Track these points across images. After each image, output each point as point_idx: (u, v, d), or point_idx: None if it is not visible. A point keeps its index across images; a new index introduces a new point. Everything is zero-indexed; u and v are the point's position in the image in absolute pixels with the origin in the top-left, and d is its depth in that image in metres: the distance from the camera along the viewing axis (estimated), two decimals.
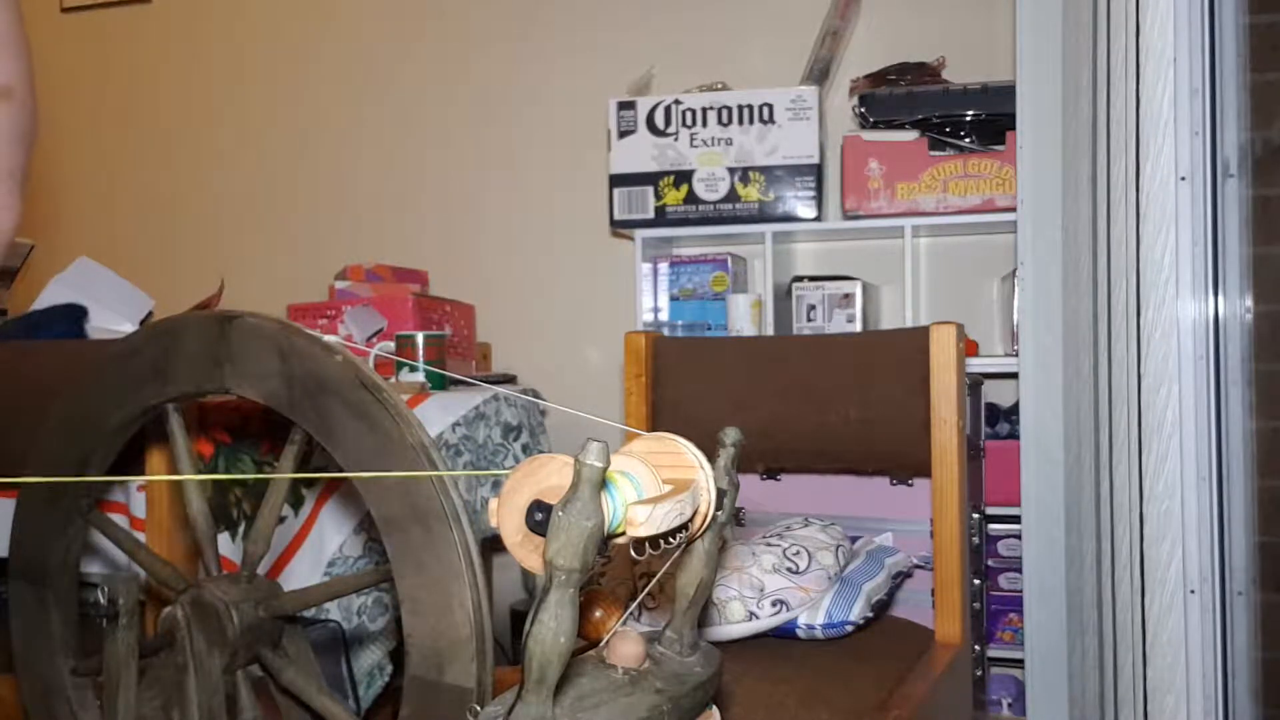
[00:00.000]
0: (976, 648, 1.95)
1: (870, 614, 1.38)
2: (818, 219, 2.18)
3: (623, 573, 1.38)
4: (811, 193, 2.17)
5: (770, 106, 2.18)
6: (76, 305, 1.90)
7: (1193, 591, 1.36)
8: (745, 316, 2.13)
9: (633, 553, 0.66)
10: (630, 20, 2.59)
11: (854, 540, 1.56)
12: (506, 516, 0.67)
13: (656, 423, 1.57)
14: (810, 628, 1.33)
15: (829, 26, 2.33)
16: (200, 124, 2.95)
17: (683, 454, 0.72)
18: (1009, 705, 2.10)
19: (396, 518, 0.93)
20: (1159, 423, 1.39)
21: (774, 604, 1.32)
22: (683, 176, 2.23)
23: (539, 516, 0.64)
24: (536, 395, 2.30)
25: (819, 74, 2.27)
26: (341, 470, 0.97)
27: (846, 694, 1.20)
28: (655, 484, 0.69)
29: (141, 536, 1.46)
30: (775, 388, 1.52)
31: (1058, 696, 1.85)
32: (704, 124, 2.21)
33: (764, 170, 2.18)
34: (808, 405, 1.50)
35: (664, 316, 2.32)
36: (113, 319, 1.93)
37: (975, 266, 2.36)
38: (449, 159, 2.74)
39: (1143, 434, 1.42)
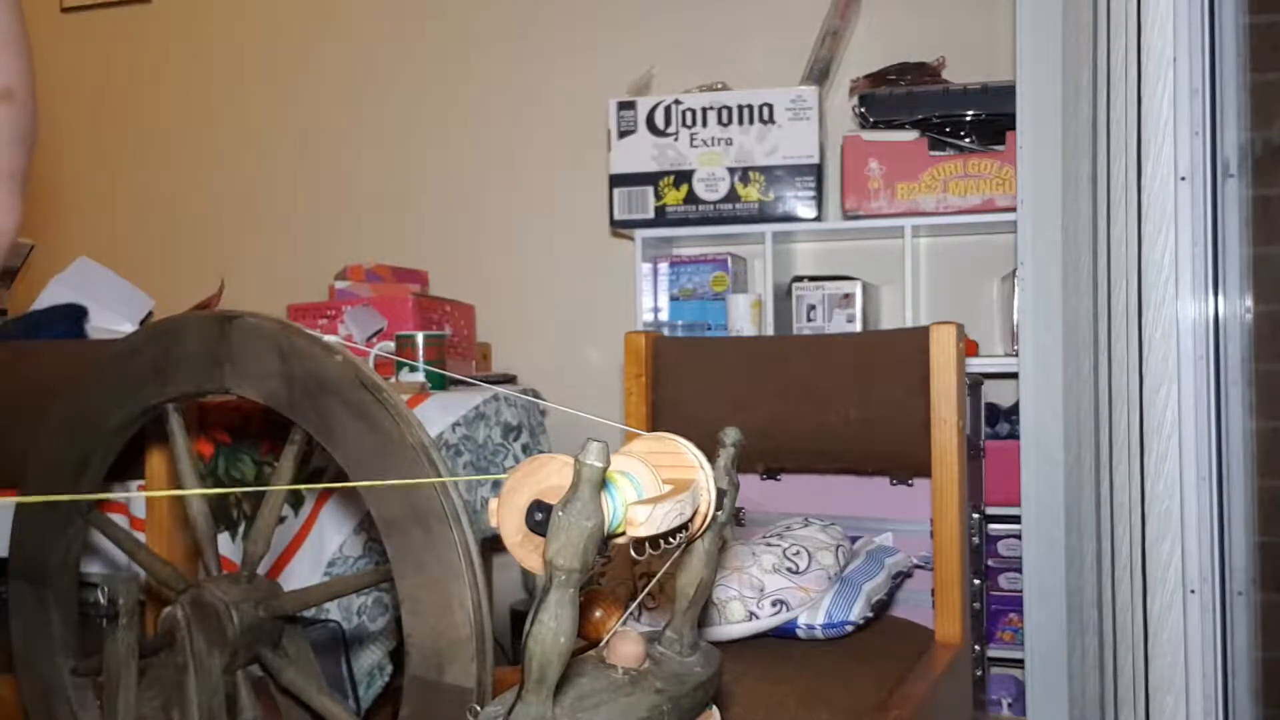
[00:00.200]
0: (976, 648, 1.95)
1: (870, 614, 1.37)
2: (818, 219, 2.18)
3: (623, 573, 1.38)
4: (811, 193, 2.17)
5: (770, 106, 2.18)
6: (76, 305, 1.90)
7: (1193, 591, 1.36)
8: (745, 316, 2.13)
9: (633, 553, 0.66)
10: (630, 20, 2.59)
11: (854, 540, 1.56)
12: (506, 516, 0.67)
13: (656, 423, 1.57)
14: (810, 628, 1.33)
15: (829, 26, 2.33)
16: (200, 124, 2.95)
17: (683, 454, 0.72)
18: (1009, 705, 2.10)
19: (396, 518, 0.93)
20: (1159, 423, 1.39)
21: (774, 604, 1.32)
22: (683, 176, 2.23)
23: (539, 516, 0.64)
24: (536, 395, 2.30)
25: (819, 74, 2.27)
26: (342, 469, 0.97)
27: (846, 694, 1.20)
28: (655, 484, 0.69)
29: (141, 536, 1.46)
30: (775, 388, 1.52)
31: (1058, 696, 1.85)
32: (704, 124, 2.21)
33: (764, 170, 2.18)
34: (808, 405, 1.50)
35: (664, 316, 2.32)
36: (113, 319, 1.93)
37: (975, 266, 2.36)
38: (449, 159, 2.74)
39: (1144, 434, 1.42)
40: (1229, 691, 1.39)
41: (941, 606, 1.40)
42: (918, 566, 1.76)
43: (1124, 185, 1.46)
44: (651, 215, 2.25)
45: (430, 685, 0.92)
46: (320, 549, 1.62)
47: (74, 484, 1.14)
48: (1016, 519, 1.91)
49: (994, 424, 2.15)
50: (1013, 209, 1.98)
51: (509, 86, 2.69)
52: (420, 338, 1.95)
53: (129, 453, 1.19)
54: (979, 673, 1.97)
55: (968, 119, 2.11)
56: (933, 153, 2.13)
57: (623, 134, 2.25)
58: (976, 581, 1.96)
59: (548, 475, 0.65)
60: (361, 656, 1.62)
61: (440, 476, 0.92)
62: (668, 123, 2.23)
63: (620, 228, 2.31)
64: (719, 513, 0.75)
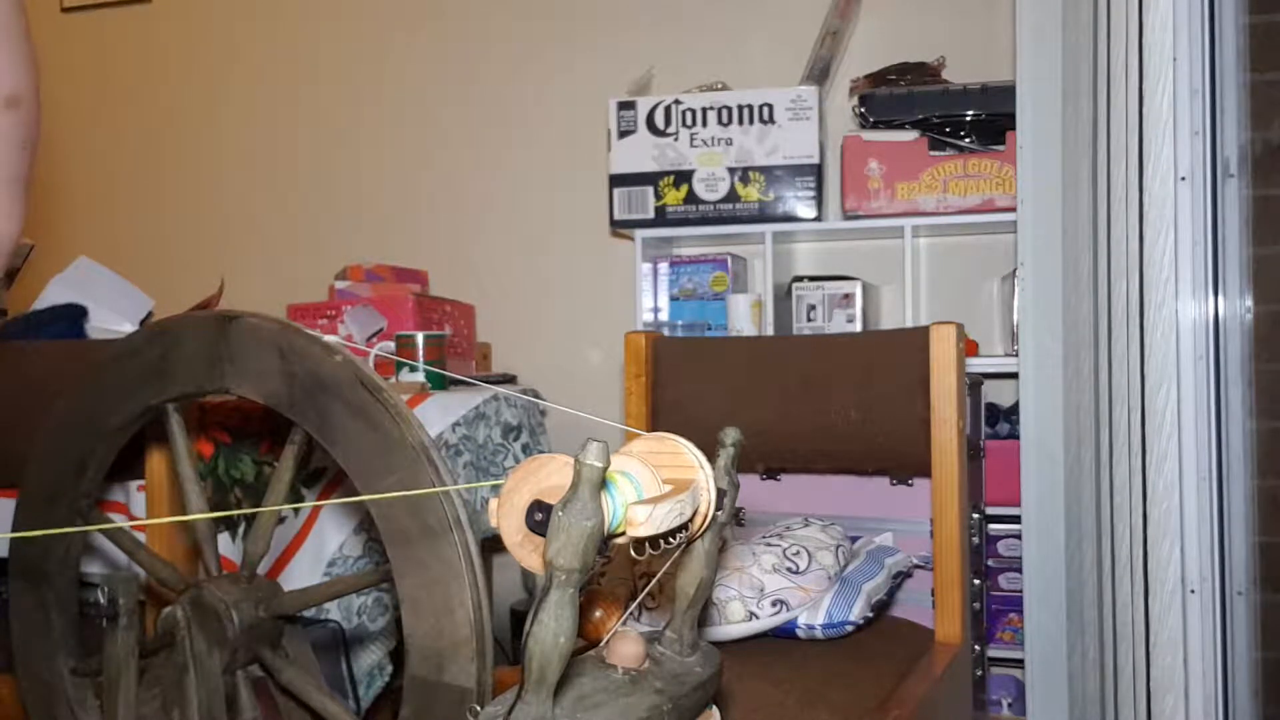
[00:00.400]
0: (976, 648, 1.95)
1: (870, 614, 1.37)
2: (818, 219, 2.18)
3: (623, 573, 1.38)
4: (811, 193, 2.17)
5: (770, 106, 2.18)
6: (76, 305, 1.90)
7: (1193, 591, 1.36)
8: (745, 316, 2.13)
9: (633, 553, 0.67)
10: (630, 20, 2.59)
11: (854, 540, 1.56)
12: (506, 516, 0.67)
13: (656, 423, 1.57)
14: (810, 628, 1.33)
15: (829, 26, 2.33)
16: (200, 124, 2.95)
17: (683, 454, 0.72)
18: (1009, 705, 2.10)
19: (396, 518, 0.93)
20: (1159, 423, 1.39)
21: (774, 604, 1.32)
22: (683, 176, 2.23)
23: (539, 516, 0.64)
24: (536, 395, 2.30)
25: (819, 74, 2.27)
26: (341, 469, 0.97)
27: (846, 694, 1.20)
28: (655, 484, 0.69)
29: (142, 537, 1.46)
30: (775, 388, 1.52)
31: (1058, 696, 1.85)
32: (704, 124, 2.21)
33: (764, 170, 2.18)
34: (808, 405, 1.50)
35: (664, 316, 2.32)
36: (113, 319, 1.93)
37: (975, 266, 2.36)
38: (449, 159, 2.74)
39: (1144, 434, 1.42)
40: (1229, 691, 1.39)
41: (941, 606, 1.40)
42: (918, 566, 1.76)
43: (1124, 185, 1.46)
44: (651, 215, 2.25)
45: (430, 685, 0.92)
46: (320, 549, 1.62)
47: (74, 484, 1.14)
48: (1016, 519, 1.91)
49: (994, 424, 2.15)
50: (1013, 209, 1.98)
51: (509, 86, 2.69)
52: (420, 338, 1.95)
53: (129, 453, 1.19)
54: (979, 673, 1.97)
55: (968, 119, 2.11)
56: (933, 153, 2.13)
57: (623, 134, 2.25)
58: (976, 581, 1.96)
59: (548, 475, 0.65)
60: (361, 656, 1.62)
61: (440, 476, 0.92)
62: (668, 123, 2.23)
63: (620, 228, 2.31)
64: (719, 513, 0.75)
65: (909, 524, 1.84)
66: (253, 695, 1.08)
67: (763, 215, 2.20)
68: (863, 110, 2.19)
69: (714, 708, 0.78)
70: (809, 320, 2.20)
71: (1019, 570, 1.95)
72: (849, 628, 1.34)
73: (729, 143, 2.20)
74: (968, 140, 2.12)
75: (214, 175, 2.94)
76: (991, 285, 2.36)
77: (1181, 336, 1.37)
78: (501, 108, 2.70)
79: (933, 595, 1.40)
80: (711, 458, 0.75)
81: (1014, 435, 2.06)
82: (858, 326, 2.17)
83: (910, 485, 1.86)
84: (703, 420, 1.54)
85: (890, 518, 1.86)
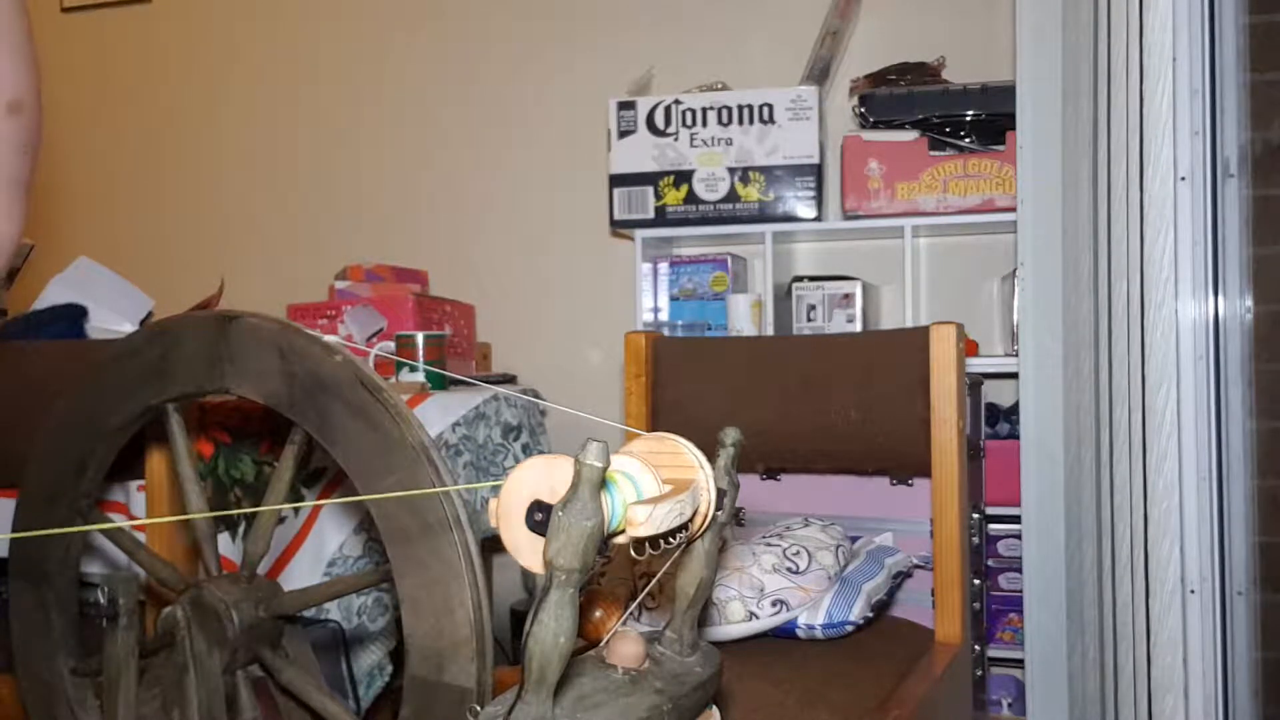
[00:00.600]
0: (976, 648, 1.95)
1: (870, 614, 1.37)
2: (818, 219, 2.18)
3: (623, 573, 1.38)
4: (811, 193, 2.17)
5: (770, 106, 2.18)
6: (76, 305, 1.90)
7: (1193, 591, 1.36)
8: (745, 316, 2.13)
9: (633, 553, 0.67)
10: (630, 20, 2.59)
11: (854, 540, 1.56)
12: (506, 516, 0.66)
13: (656, 423, 1.57)
14: (810, 628, 1.33)
15: (829, 26, 2.33)
16: (200, 124, 2.95)
17: (683, 454, 0.72)
18: (1009, 705, 2.10)
19: (396, 518, 0.93)
20: (1159, 423, 1.39)
21: (774, 604, 1.32)
22: (683, 176, 2.23)
23: (539, 516, 0.64)
24: (536, 395, 2.30)
25: (819, 74, 2.27)
26: (341, 469, 0.97)
27: (846, 694, 1.20)
28: (655, 484, 0.69)
29: (142, 537, 1.46)
30: (775, 388, 1.52)
31: (1058, 696, 1.85)
32: (704, 124, 2.21)
33: (764, 170, 2.18)
34: (808, 405, 1.50)
35: (664, 316, 2.32)
36: (113, 319, 1.93)
37: (975, 266, 2.36)
38: (449, 159, 2.74)
39: (1145, 434, 1.42)
40: (1229, 691, 1.39)
41: (941, 606, 1.40)
42: (918, 566, 1.76)
43: (1124, 185, 1.46)
44: (651, 215, 2.25)
45: (430, 685, 0.92)
46: (320, 549, 1.62)
47: (74, 484, 1.14)
48: (1016, 519, 1.91)
49: (994, 424, 2.15)
50: (1013, 209, 1.98)
51: (509, 86, 2.69)
52: (420, 338, 1.95)
53: (129, 453, 1.19)
54: (979, 673, 1.97)
55: (968, 119, 2.11)
56: (933, 153, 2.13)
57: (623, 134, 2.25)
58: (976, 581, 1.96)
59: (548, 475, 0.65)
60: (361, 656, 1.62)
61: (440, 476, 0.92)
62: (668, 123, 2.23)
63: (620, 228, 2.31)
64: (719, 513, 0.75)
65: (909, 524, 1.84)
66: (253, 695, 1.08)
67: (763, 215, 2.20)
68: (863, 110, 2.19)
69: (714, 708, 0.78)
70: (809, 320, 2.20)
71: (1019, 570, 1.95)
72: (849, 628, 1.34)
73: (729, 143, 2.20)
74: (968, 140, 2.12)
75: (214, 175, 2.94)
76: (991, 285, 2.36)
77: (1181, 336, 1.37)
78: (501, 108, 2.70)
79: (933, 595, 1.40)
80: (711, 458, 0.75)
81: (1014, 435, 2.06)
82: (858, 326, 2.17)
83: (910, 485, 1.86)
84: (703, 420, 1.54)
85: (890, 518, 1.86)
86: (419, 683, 0.92)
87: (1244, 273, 1.46)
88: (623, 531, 0.65)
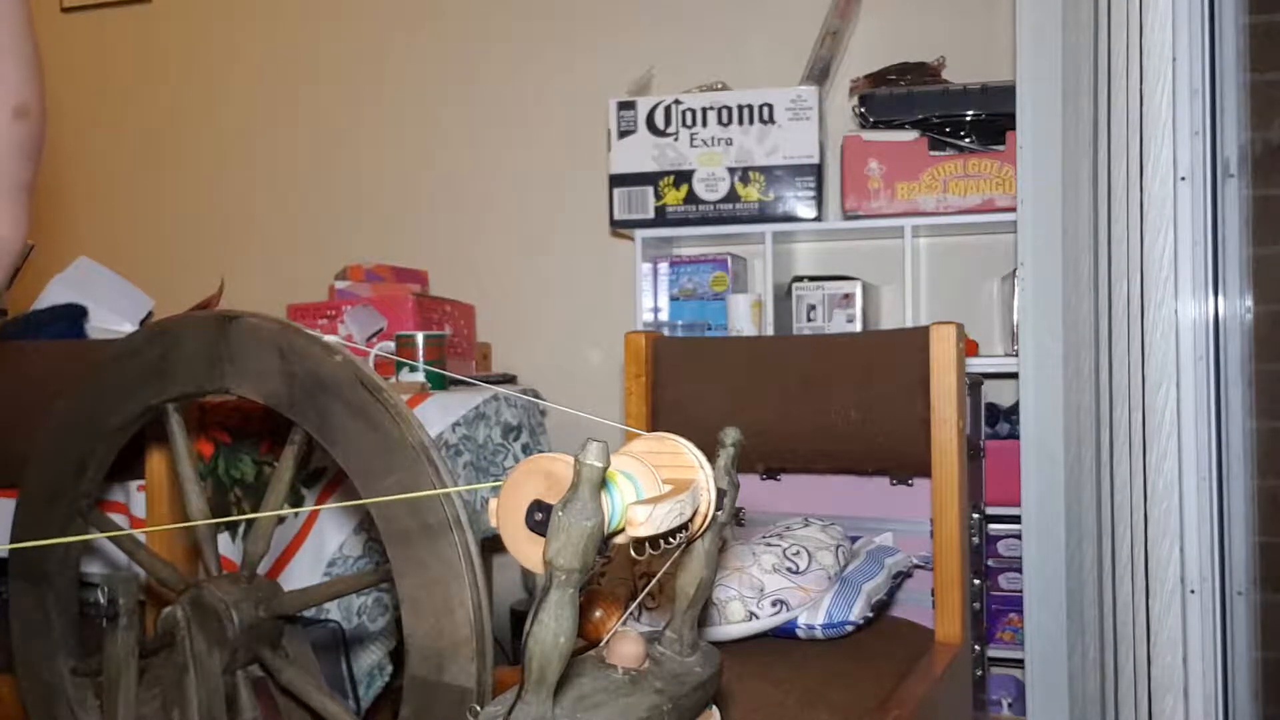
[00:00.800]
0: (976, 648, 1.95)
1: (870, 614, 1.37)
2: (818, 219, 2.18)
3: (623, 573, 1.38)
4: (811, 193, 2.17)
5: (770, 106, 2.18)
6: (76, 305, 1.90)
7: (1193, 591, 1.36)
8: (745, 316, 2.13)
9: (633, 553, 0.67)
10: (630, 20, 2.59)
11: (854, 540, 1.56)
12: (506, 516, 0.66)
13: (656, 423, 1.57)
14: (810, 628, 1.33)
15: (829, 26, 2.33)
16: (200, 124, 2.95)
17: (683, 454, 0.72)
18: (1009, 705, 2.10)
19: (397, 518, 0.93)
20: (1159, 423, 1.39)
21: (774, 604, 1.32)
22: (683, 176, 2.23)
23: (539, 516, 0.64)
24: (536, 395, 2.30)
25: (819, 74, 2.27)
26: (342, 468, 0.97)
27: (846, 694, 1.20)
28: (655, 484, 0.69)
29: (141, 537, 1.46)
30: (775, 388, 1.52)
31: (1058, 696, 1.85)
32: (704, 124, 2.21)
33: (764, 170, 2.18)
34: (808, 405, 1.50)
35: (664, 316, 2.32)
36: (113, 319, 1.93)
37: (975, 266, 2.36)
38: (449, 159, 2.74)
39: (1145, 434, 1.42)
40: (1229, 691, 1.39)
41: (941, 606, 1.40)
42: (918, 566, 1.76)
43: (1124, 185, 1.46)
44: (651, 215, 2.25)
45: (430, 685, 0.92)
46: (320, 549, 1.62)
47: (74, 484, 1.14)
48: (1016, 519, 1.91)
49: (994, 424, 2.15)
50: (1013, 209, 1.98)
51: (509, 86, 2.69)
52: (420, 338, 1.95)
53: (129, 453, 1.19)
54: (979, 673, 1.97)
55: (968, 119, 2.11)
56: (933, 153, 2.13)
57: (623, 134, 2.25)
58: (976, 581, 1.96)
59: (548, 475, 0.65)
60: (361, 656, 1.62)
61: (440, 476, 0.92)
62: (668, 123, 2.23)
63: (620, 228, 2.31)
64: (719, 513, 0.75)
65: (909, 524, 1.84)
66: (253, 695, 1.08)
67: (763, 215, 2.20)
68: (863, 110, 2.19)
69: (714, 708, 0.78)
70: (809, 320, 2.20)
71: (1019, 570, 1.95)
72: (849, 628, 1.34)
73: (729, 143, 2.20)
74: (968, 140, 2.12)
75: (214, 175, 2.94)
76: (991, 285, 2.36)
77: (1181, 336, 1.37)
78: (501, 108, 2.70)
79: (933, 595, 1.40)
80: (711, 458, 0.75)
81: (1014, 435, 2.06)
82: (858, 326, 2.17)
83: (910, 485, 1.86)
84: (703, 420, 1.54)
85: (890, 518, 1.86)
86: (419, 683, 0.92)
87: (1244, 273, 1.46)
88: (623, 531, 0.65)
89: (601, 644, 0.74)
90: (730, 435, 0.79)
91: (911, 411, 1.41)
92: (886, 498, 1.87)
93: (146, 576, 1.33)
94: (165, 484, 1.41)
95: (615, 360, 2.59)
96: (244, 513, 1.66)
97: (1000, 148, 2.10)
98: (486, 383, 2.10)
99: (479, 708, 0.89)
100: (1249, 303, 1.48)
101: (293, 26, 2.87)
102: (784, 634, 1.35)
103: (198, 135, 2.95)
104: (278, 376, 1.00)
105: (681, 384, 1.58)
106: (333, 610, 1.57)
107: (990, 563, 2.07)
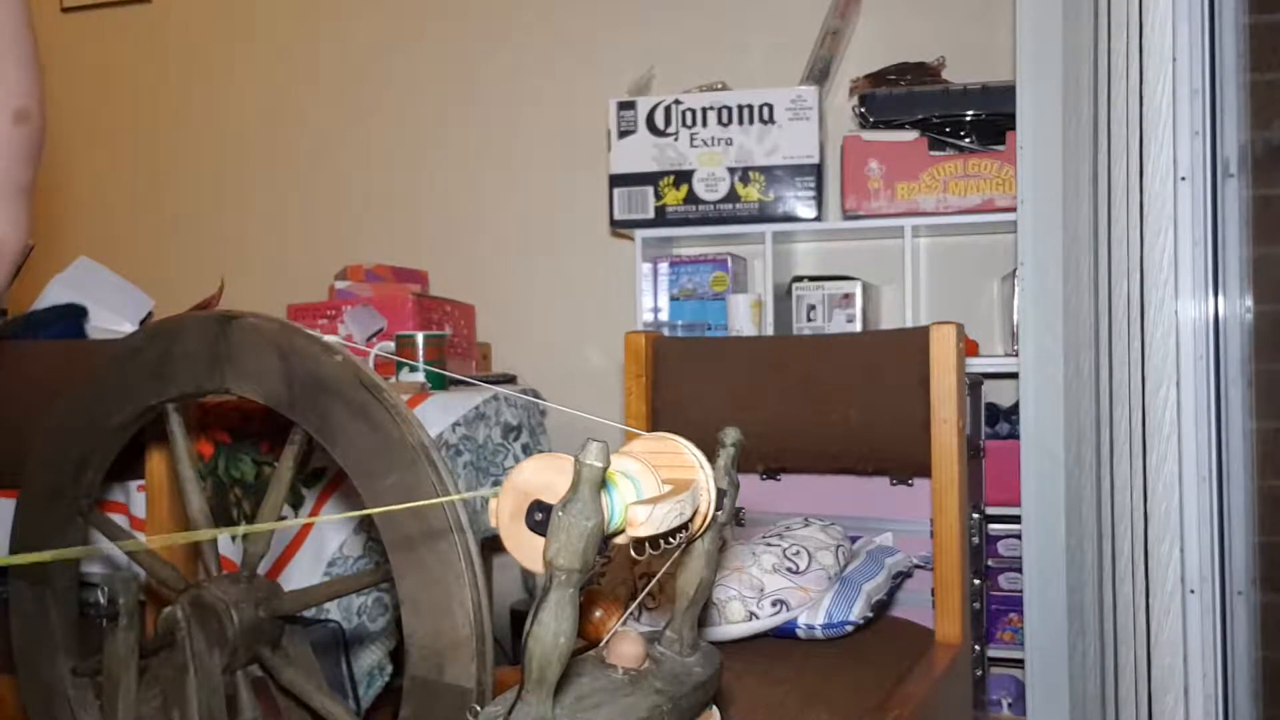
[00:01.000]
0: (976, 648, 1.95)
1: (870, 614, 1.37)
2: (818, 219, 2.18)
3: (623, 573, 1.38)
4: (811, 193, 2.17)
5: (770, 106, 2.18)
6: (76, 305, 1.90)
7: (1193, 591, 1.36)
8: (745, 316, 2.13)
9: (633, 553, 0.66)
10: (630, 20, 2.59)
11: (854, 540, 1.56)
12: (506, 516, 0.66)
13: (656, 423, 1.57)
14: (810, 628, 1.33)
15: (829, 26, 2.33)
16: (200, 124, 2.95)
17: (683, 454, 0.72)
18: (1009, 705, 2.10)
19: (397, 519, 0.93)
20: (1159, 423, 1.39)
21: (774, 604, 1.32)
22: (683, 176, 2.23)
23: (539, 516, 0.64)
24: (536, 395, 2.30)
25: (819, 74, 2.27)
26: (341, 468, 0.97)
27: (846, 694, 1.20)
28: (655, 484, 0.69)
29: (142, 537, 1.46)
30: (775, 388, 1.52)
31: (1058, 696, 1.85)
32: (704, 124, 2.21)
33: (764, 170, 2.18)
34: (808, 405, 1.50)
35: (664, 316, 2.32)
36: (113, 319, 1.93)
37: (975, 266, 2.36)
38: (449, 159, 2.74)
39: (1145, 434, 1.42)
40: (1229, 691, 1.39)
41: (941, 606, 1.40)
42: (918, 566, 1.76)
43: (1124, 185, 1.46)
44: (651, 215, 2.25)
45: (430, 685, 0.92)
46: (320, 549, 1.62)
47: (74, 484, 1.14)
48: (1016, 519, 1.91)
49: (994, 424, 2.15)
50: (1013, 209, 1.98)
51: (509, 86, 2.69)
52: (420, 338, 1.95)
53: (129, 453, 1.19)
54: (979, 673, 1.97)
55: (968, 119, 2.11)
56: (933, 153, 2.13)
57: (623, 134, 2.25)
58: (976, 581, 1.96)
59: (548, 475, 0.65)
60: (361, 656, 1.62)
61: (440, 476, 0.92)
62: (668, 123, 2.23)
63: (620, 228, 2.31)
64: (719, 513, 0.75)
65: (909, 524, 1.84)
66: (253, 695, 1.08)
67: (763, 215, 2.20)
68: (863, 110, 2.19)
69: (714, 708, 0.78)
70: (809, 320, 2.20)
71: (1019, 570, 1.95)
72: (849, 628, 1.34)
73: (729, 143, 2.20)
74: (968, 140, 2.12)
75: (214, 175, 2.94)
76: (991, 285, 2.36)
77: (1181, 336, 1.37)
78: (502, 108, 2.70)
79: (933, 595, 1.40)
80: (711, 458, 0.75)
81: (1014, 435, 2.06)
82: (858, 326, 2.17)
83: (910, 485, 1.86)
84: (703, 420, 1.54)
85: (890, 518, 1.86)
86: (419, 683, 0.92)
87: (1244, 273, 1.46)
88: (623, 531, 0.65)
89: (601, 644, 0.74)
90: (730, 435, 0.79)
91: (911, 412, 1.41)
92: (886, 498, 1.87)
93: (146, 576, 1.33)
94: (165, 484, 1.41)
95: (615, 360, 2.59)
96: (245, 515, 1.66)
97: (1000, 148, 2.10)
98: (486, 383, 2.10)
99: (479, 708, 0.89)
100: (1249, 303, 1.48)
101: (292, 27, 2.87)
102: (784, 634, 1.35)
103: (198, 135, 2.95)
104: (278, 376, 1.00)
105: (681, 384, 1.58)
106: (333, 610, 1.57)
107: (990, 563, 2.07)
